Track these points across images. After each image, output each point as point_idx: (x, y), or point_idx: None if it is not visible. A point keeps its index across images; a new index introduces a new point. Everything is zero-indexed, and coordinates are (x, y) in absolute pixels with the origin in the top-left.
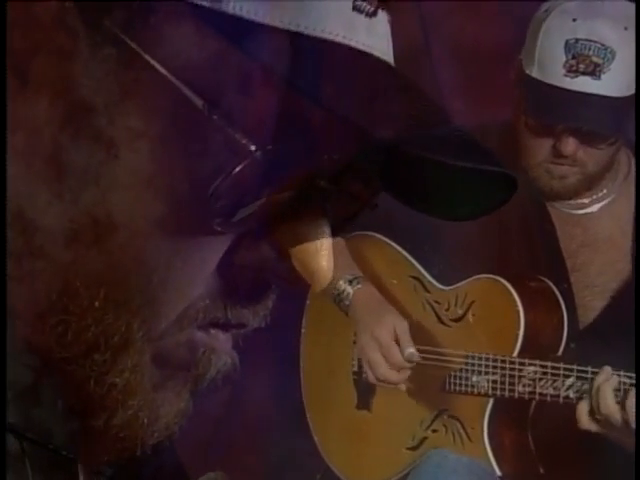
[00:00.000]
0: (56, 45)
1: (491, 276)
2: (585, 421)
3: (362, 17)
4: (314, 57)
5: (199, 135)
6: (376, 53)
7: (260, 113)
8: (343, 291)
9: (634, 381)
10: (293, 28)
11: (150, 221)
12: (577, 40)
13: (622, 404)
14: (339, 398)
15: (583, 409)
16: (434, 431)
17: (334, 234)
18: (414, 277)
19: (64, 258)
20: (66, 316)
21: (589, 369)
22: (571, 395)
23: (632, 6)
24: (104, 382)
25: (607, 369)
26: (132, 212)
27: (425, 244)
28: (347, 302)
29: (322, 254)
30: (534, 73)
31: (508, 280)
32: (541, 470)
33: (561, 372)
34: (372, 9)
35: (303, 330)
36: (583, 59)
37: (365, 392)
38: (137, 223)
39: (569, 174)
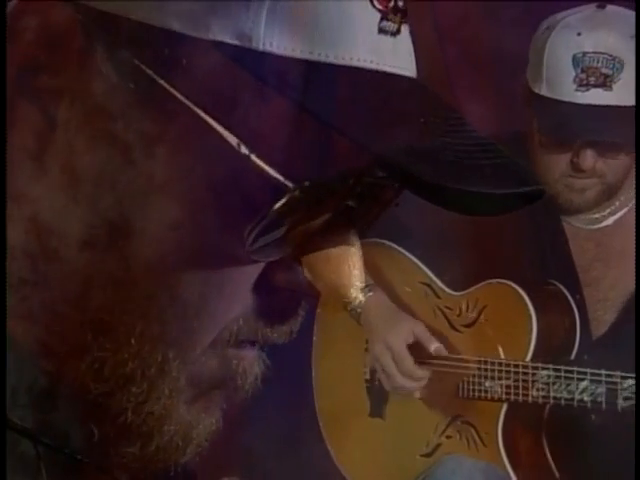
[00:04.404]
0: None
1: (502, 281)
2: None
3: (388, 38)
4: (343, 85)
5: (229, 171)
6: (401, 72)
7: (294, 149)
8: (355, 299)
9: None
10: (322, 59)
11: (165, 225)
12: (584, 53)
13: None
14: (352, 406)
15: None
16: (448, 437)
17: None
18: (424, 283)
19: (79, 262)
20: (102, 353)
21: (602, 372)
22: (585, 398)
23: (635, 15)
24: (141, 411)
25: None
26: (148, 217)
27: (436, 250)
28: (359, 310)
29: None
30: (543, 91)
31: (519, 284)
32: (556, 474)
33: (575, 375)
34: (396, 27)
35: (314, 338)
36: (592, 72)
37: (378, 400)
38: (153, 229)
39: (589, 186)
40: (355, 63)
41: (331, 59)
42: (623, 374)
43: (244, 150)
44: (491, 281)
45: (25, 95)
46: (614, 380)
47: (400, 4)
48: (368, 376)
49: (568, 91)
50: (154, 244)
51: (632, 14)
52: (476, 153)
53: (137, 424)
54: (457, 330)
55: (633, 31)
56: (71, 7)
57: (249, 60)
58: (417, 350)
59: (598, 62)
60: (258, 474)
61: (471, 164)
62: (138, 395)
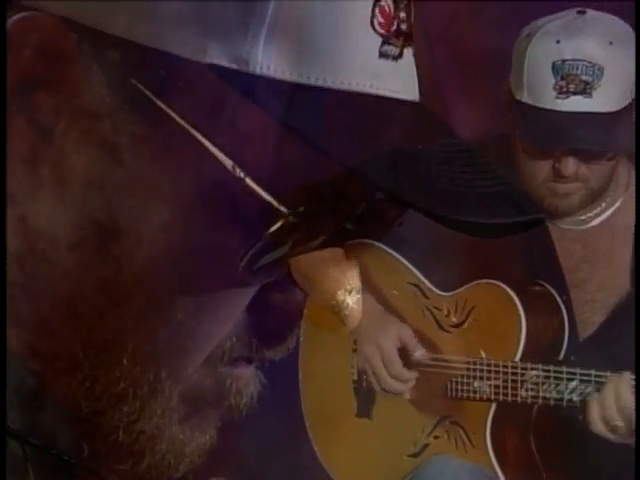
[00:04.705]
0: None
1: (491, 281)
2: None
3: (389, 62)
4: (340, 110)
5: (225, 194)
6: (401, 96)
7: (289, 174)
8: (342, 302)
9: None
10: (320, 84)
11: (155, 227)
12: (564, 61)
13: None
14: (339, 407)
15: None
16: (436, 437)
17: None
18: (413, 284)
19: (68, 264)
20: (94, 371)
21: (592, 372)
22: (574, 398)
23: (615, 20)
24: (133, 430)
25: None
26: (137, 219)
27: (424, 251)
28: (346, 312)
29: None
30: (524, 98)
31: (508, 285)
32: (544, 475)
33: (564, 375)
34: (398, 51)
35: (301, 339)
36: (572, 79)
37: (365, 400)
38: (142, 228)
39: (573, 190)
40: (354, 88)
41: (329, 84)
42: (613, 374)
43: (239, 173)
44: (480, 281)
45: (15, 104)
46: (604, 380)
47: (403, 27)
48: (355, 377)
49: (548, 98)
50: (144, 246)
51: (612, 19)
52: (474, 181)
53: (128, 443)
54: (446, 330)
55: (612, 37)
56: (66, 25)
57: (245, 82)
58: (406, 352)
59: (577, 69)
60: (246, 475)
61: (468, 192)
62: (130, 414)
